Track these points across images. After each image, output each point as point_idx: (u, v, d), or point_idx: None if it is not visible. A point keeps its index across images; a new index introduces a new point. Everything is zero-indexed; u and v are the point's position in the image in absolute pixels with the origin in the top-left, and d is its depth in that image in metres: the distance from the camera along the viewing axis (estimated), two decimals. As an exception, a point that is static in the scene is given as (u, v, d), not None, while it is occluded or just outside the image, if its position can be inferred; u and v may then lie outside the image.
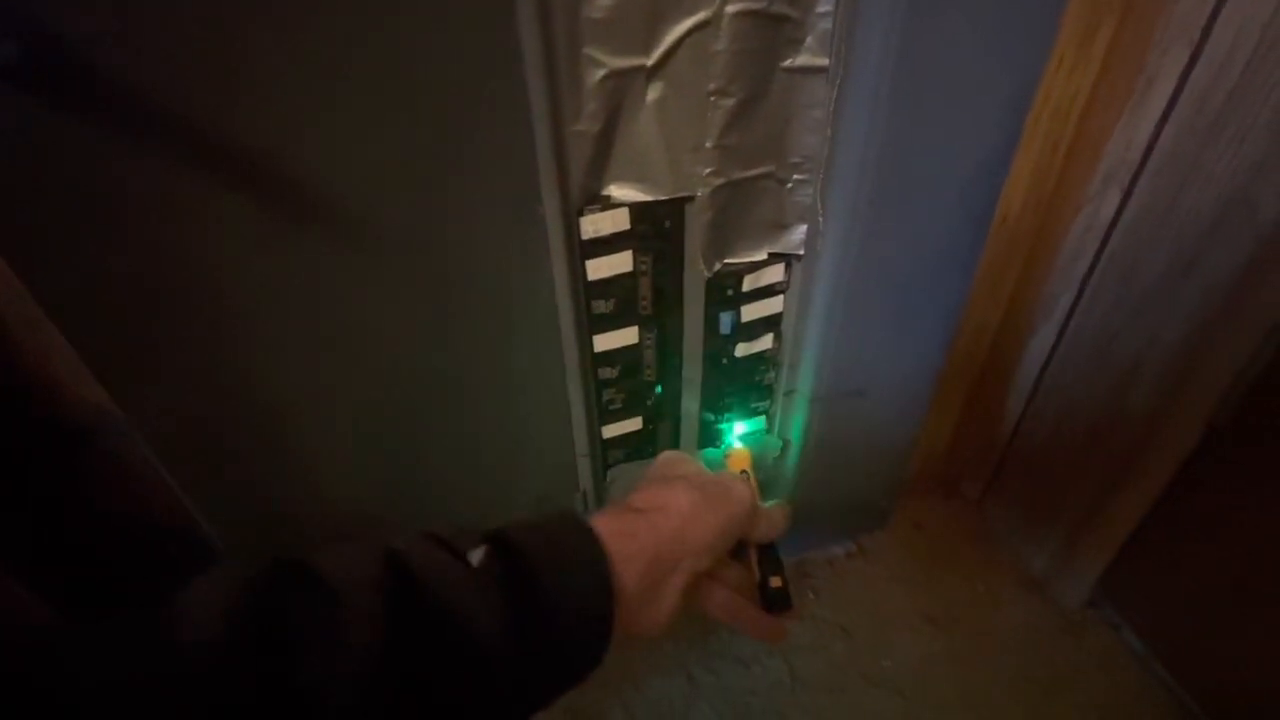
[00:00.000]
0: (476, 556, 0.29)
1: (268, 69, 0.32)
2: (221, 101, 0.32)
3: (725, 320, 0.54)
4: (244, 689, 0.22)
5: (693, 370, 0.58)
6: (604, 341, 0.52)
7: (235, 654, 0.22)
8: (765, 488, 0.70)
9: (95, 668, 0.21)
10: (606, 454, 0.62)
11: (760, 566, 0.42)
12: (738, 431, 0.61)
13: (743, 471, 0.47)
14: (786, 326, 0.57)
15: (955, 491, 1.04)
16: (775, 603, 0.41)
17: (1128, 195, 0.66)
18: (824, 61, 0.42)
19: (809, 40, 0.42)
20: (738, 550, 0.43)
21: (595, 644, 0.31)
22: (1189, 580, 0.77)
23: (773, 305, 0.55)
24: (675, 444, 0.64)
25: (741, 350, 0.57)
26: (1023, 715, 0.81)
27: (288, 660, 0.23)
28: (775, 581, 0.41)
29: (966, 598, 0.93)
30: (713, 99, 0.42)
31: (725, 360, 0.57)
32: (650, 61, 0.40)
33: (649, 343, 0.54)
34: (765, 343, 0.57)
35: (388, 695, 0.24)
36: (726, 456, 0.48)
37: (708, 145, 0.43)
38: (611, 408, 0.57)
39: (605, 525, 0.33)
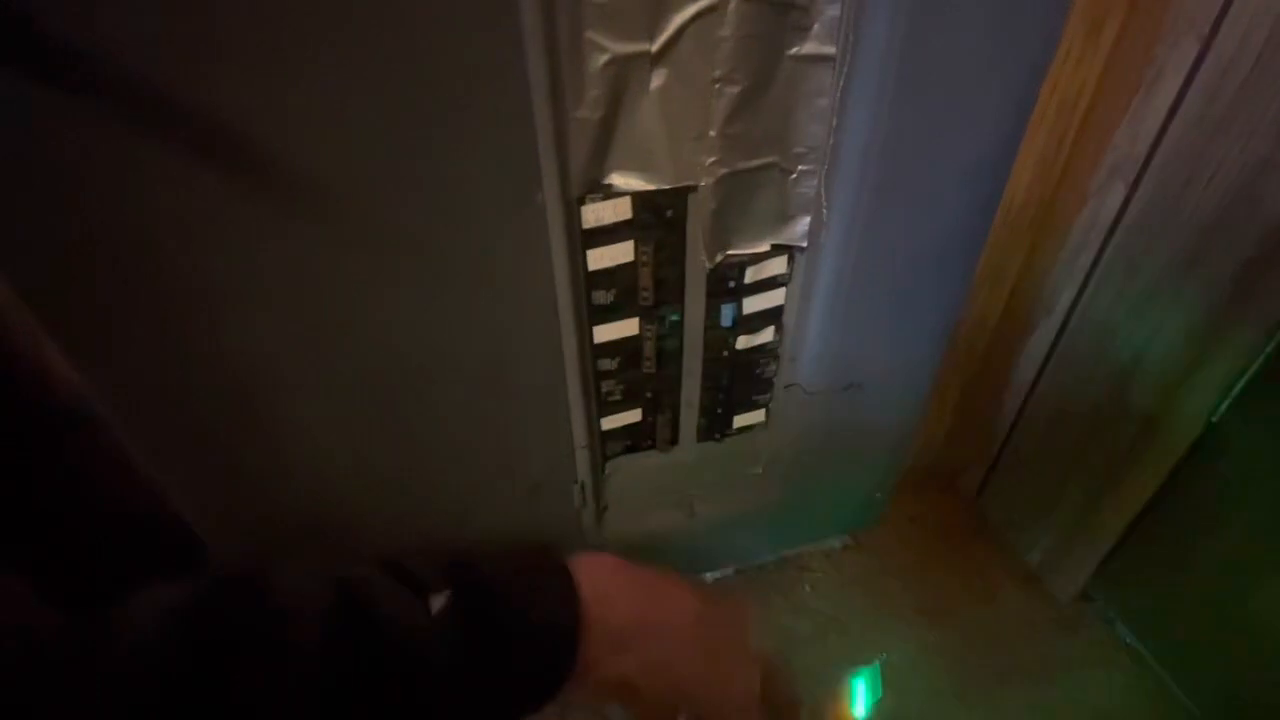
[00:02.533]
0: (437, 603, 0.28)
1: (258, 46, 0.31)
2: (199, 73, 0.31)
3: (726, 312, 0.54)
4: (176, 699, 0.21)
5: (693, 362, 0.57)
6: (604, 333, 0.52)
7: (171, 663, 0.22)
8: (761, 482, 0.70)
9: (33, 667, 0.21)
10: (605, 446, 0.61)
11: None
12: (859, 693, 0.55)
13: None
14: (788, 319, 0.57)
15: (952, 485, 1.04)
16: None
17: (1133, 189, 0.65)
18: (830, 50, 0.42)
19: (816, 28, 0.41)
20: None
21: (548, 690, 0.30)
22: (1183, 575, 0.77)
23: (774, 298, 0.55)
24: (674, 437, 0.63)
25: (742, 343, 0.57)
26: (1016, 708, 0.81)
27: (225, 675, 0.22)
28: None
29: (962, 591, 0.93)
30: (717, 87, 0.41)
31: (726, 353, 0.57)
32: (654, 48, 0.39)
33: (649, 334, 0.53)
34: (766, 335, 0.57)
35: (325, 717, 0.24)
36: (833, 698, 0.44)
37: (711, 134, 0.43)
38: (610, 399, 0.57)
39: (586, 586, 0.31)
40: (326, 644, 0.24)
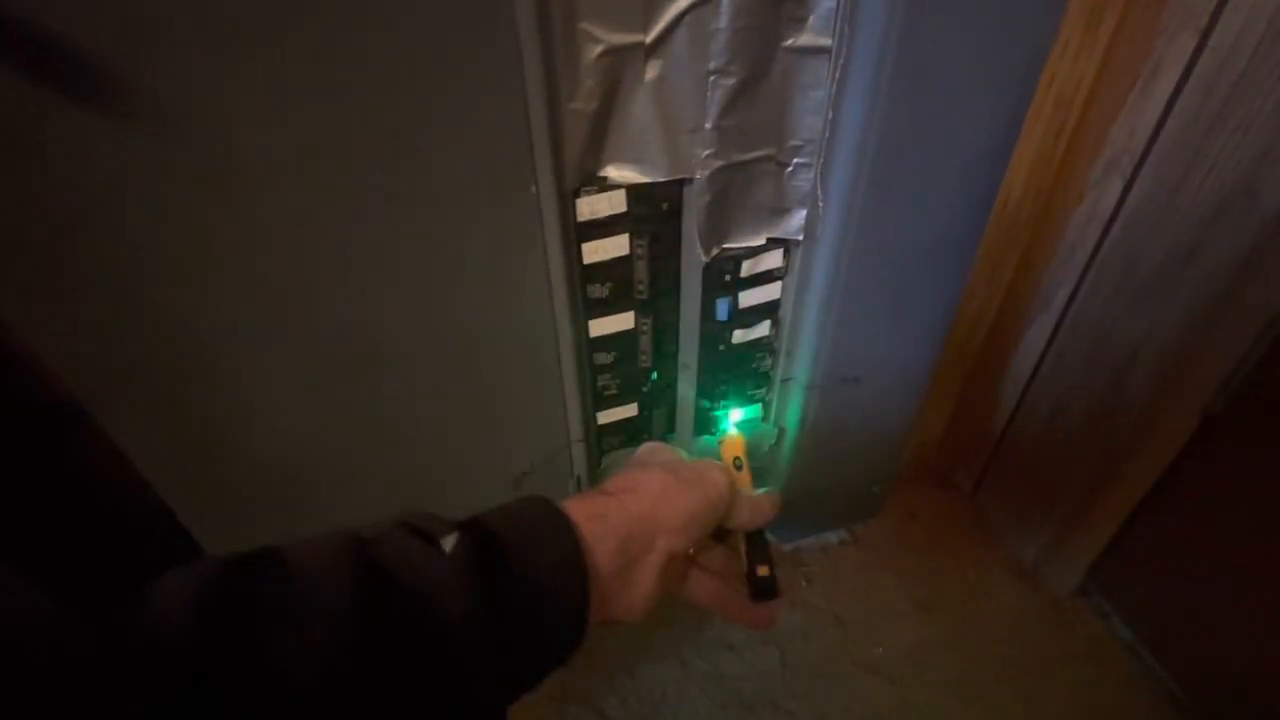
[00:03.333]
0: (449, 543, 0.28)
1: (246, 20, 0.31)
2: (173, 41, 0.31)
3: (722, 306, 0.53)
4: (209, 671, 0.22)
5: (689, 356, 0.57)
6: (599, 326, 0.52)
7: (201, 636, 0.22)
8: (760, 475, 0.70)
9: (63, 651, 0.21)
10: (601, 440, 0.61)
11: (748, 554, 0.42)
12: (734, 418, 0.61)
13: (735, 459, 0.47)
14: (784, 313, 0.57)
15: (949, 480, 1.04)
16: (762, 591, 0.41)
17: (1130, 184, 0.65)
18: (826, 41, 0.41)
19: (812, 19, 0.41)
20: (726, 537, 0.43)
21: (572, 626, 0.31)
22: (1179, 570, 0.77)
23: (770, 291, 0.55)
24: (671, 431, 0.63)
25: (738, 337, 0.56)
26: (1013, 701, 0.81)
27: (253, 643, 0.23)
28: (762, 570, 0.41)
29: (958, 586, 0.93)
30: (712, 79, 0.41)
31: (722, 346, 0.57)
32: (649, 38, 0.39)
33: (645, 328, 0.53)
34: (762, 329, 0.57)
35: (355, 682, 0.24)
36: (720, 443, 0.48)
37: (707, 126, 0.42)
38: (606, 394, 0.57)
39: (576, 508, 0.33)
40: (356, 604, 0.25)
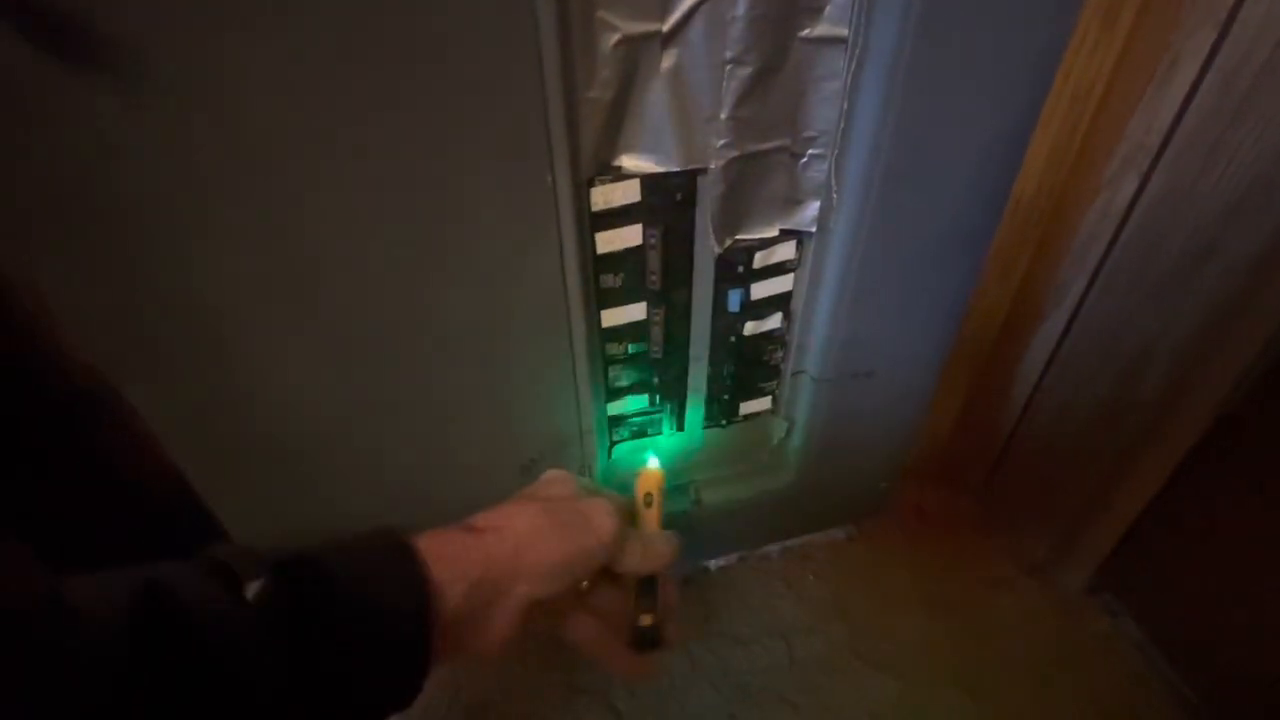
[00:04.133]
0: (254, 588, 0.27)
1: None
2: (194, 25, 0.31)
3: (734, 298, 0.54)
4: None
5: (700, 348, 0.57)
6: (611, 317, 0.52)
7: None
8: (768, 470, 0.70)
9: None
10: (612, 431, 0.61)
11: (635, 600, 0.39)
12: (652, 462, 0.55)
13: (647, 494, 0.44)
14: (796, 305, 0.57)
15: (958, 477, 1.04)
16: (641, 643, 0.39)
17: (1146, 179, 0.65)
18: (843, 32, 0.41)
19: (828, 9, 0.41)
20: (618, 577, 0.40)
21: (410, 669, 0.30)
22: (1190, 569, 0.77)
23: (782, 283, 0.55)
24: (681, 423, 0.63)
25: (750, 329, 0.57)
26: (1020, 700, 0.81)
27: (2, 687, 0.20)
28: (645, 619, 0.39)
29: (966, 582, 0.93)
30: (728, 68, 0.41)
31: (733, 338, 0.57)
32: (665, 28, 0.39)
33: (657, 319, 0.53)
34: (774, 321, 0.57)
35: None
36: (637, 475, 0.45)
37: (722, 116, 0.43)
38: (617, 384, 0.57)
39: (430, 546, 0.31)
40: (120, 642, 0.23)
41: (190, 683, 0.24)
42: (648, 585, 0.39)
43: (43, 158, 0.33)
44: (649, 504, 0.44)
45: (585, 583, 0.38)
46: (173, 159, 0.35)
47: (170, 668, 0.23)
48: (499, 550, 0.33)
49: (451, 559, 0.32)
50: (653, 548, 0.39)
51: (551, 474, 0.42)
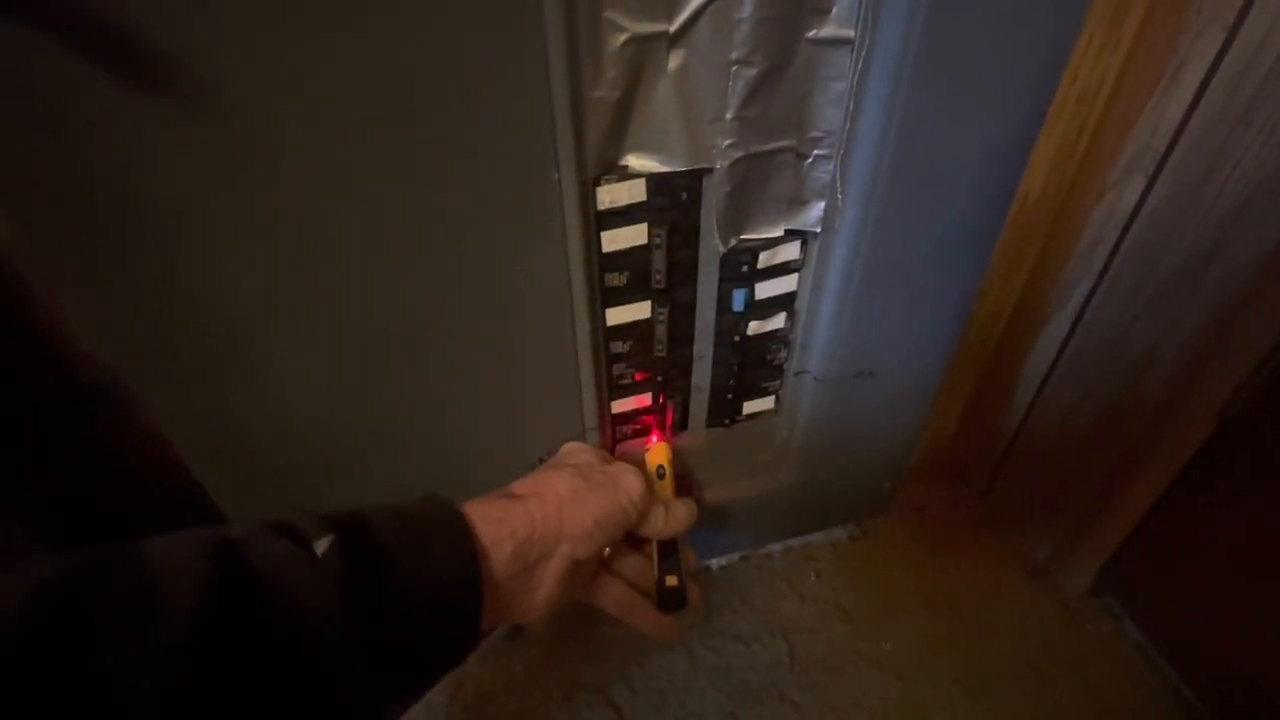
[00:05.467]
0: (322, 545, 0.27)
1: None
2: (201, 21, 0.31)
3: (738, 297, 0.54)
4: (35, 670, 0.21)
5: (704, 347, 0.58)
6: (616, 315, 0.52)
7: (31, 633, 0.21)
8: (767, 469, 0.70)
9: None
10: (615, 430, 0.62)
11: (659, 563, 0.42)
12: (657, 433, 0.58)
13: (659, 466, 0.47)
14: (800, 305, 0.57)
15: (960, 478, 1.04)
16: (668, 601, 0.41)
17: (1152, 182, 0.65)
18: (849, 33, 0.41)
19: (835, 11, 0.41)
20: (642, 545, 0.42)
21: (463, 630, 0.30)
22: (1192, 572, 0.77)
23: (787, 283, 0.55)
24: (684, 422, 0.63)
25: (754, 328, 0.57)
26: (1021, 701, 0.81)
27: (87, 646, 0.21)
28: (671, 580, 0.41)
29: (968, 584, 0.93)
30: (734, 69, 0.41)
31: (737, 338, 0.57)
32: (672, 28, 0.39)
33: (661, 318, 0.53)
34: (778, 321, 0.57)
35: (195, 690, 0.23)
36: (646, 449, 0.48)
37: (728, 116, 0.43)
38: (621, 382, 0.57)
39: (476, 510, 0.32)
40: (203, 607, 0.23)
41: (267, 637, 0.24)
42: (670, 549, 0.42)
43: (74, 162, 0.33)
44: (662, 476, 0.47)
45: (608, 550, 0.40)
46: (195, 165, 0.35)
47: (248, 623, 0.24)
48: (542, 511, 0.34)
49: (498, 520, 0.33)
50: (674, 512, 0.42)
51: (570, 445, 0.44)
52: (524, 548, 0.33)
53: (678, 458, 0.65)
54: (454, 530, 0.31)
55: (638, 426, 0.62)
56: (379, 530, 0.29)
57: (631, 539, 0.41)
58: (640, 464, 0.47)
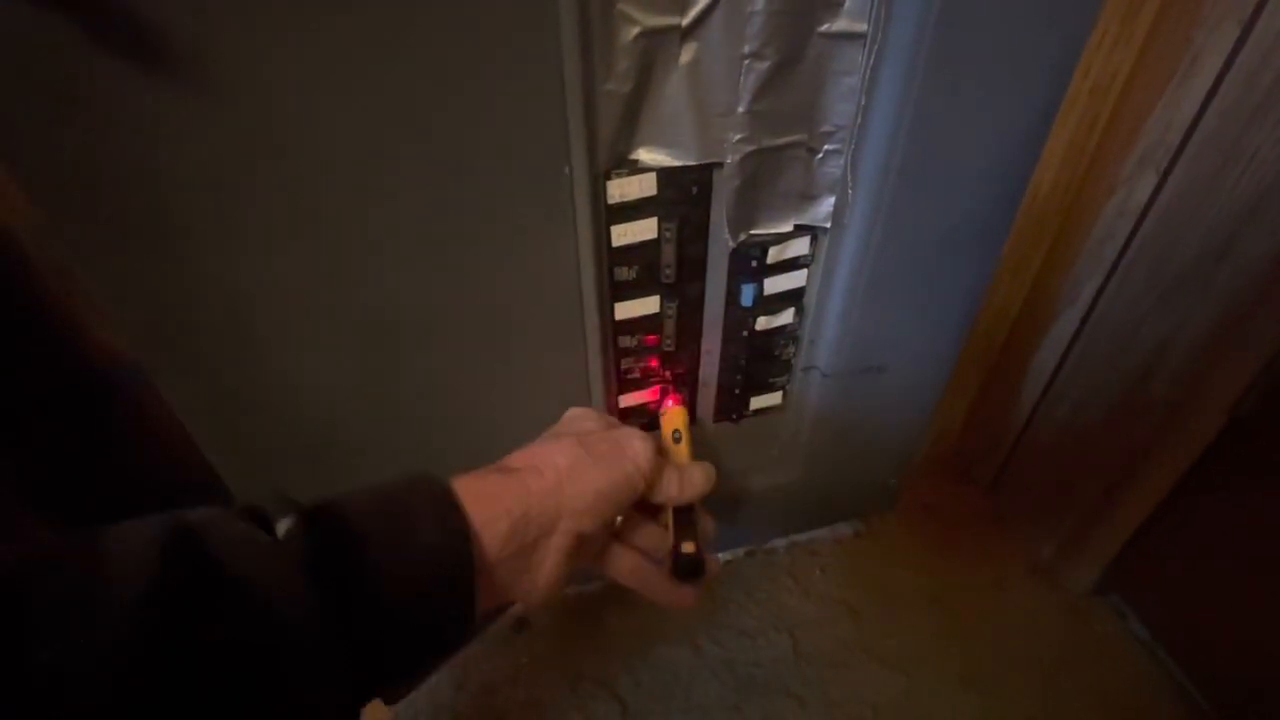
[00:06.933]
0: (283, 526, 0.26)
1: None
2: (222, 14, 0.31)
3: (747, 292, 0.54)
4: None
5: (712, 342, 0.58)
6: (625, 309, 0.52)
7: None
8: (774, 464, 0.70)
9: None
10: (624, 423, 0.62)
11: (675, 531, 0.39)
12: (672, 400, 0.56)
13: (675, 431, 0.44)
14: (809, 300, 0.57)
15: (966, 475, 1.04)
16: (684, 569, 0.39)
17: (1164, 178, 0.64)
18: (862, 27, 0.41)
19: (848, 4, 0.41)
20: (657, 512, 0.40)
21: (454, 614, 0.28)
22: (1199, 571, 0.76)
23: (796, 279, 0.55)
24: (692, 417, 0.64)
25: (762, 324, 0.57)
26: (1025, 697, 0.81)
27: (24, 643, 0.20)
28: (688, 547, 0.39)
29: (973, 580, 0.93)
30: (746, 62, 0.41)
31: (745, 333, 0.57)
32: (685, 21, 0.39)
33: (670, 312, 0.53)
34: (787, 316, 0.57)
35: (150, 681, 0.21)
36: (661, 414, 0.46)
37: (739, 110, 0.43)
38: (629, 376, 0.57)
39: (467, 488, 0.30)
40: (147, 592, 0.22)
41: (221, 626, 0.23)
42: (686, 515, 0.40)
43: (103, 152, 0.33)
44: (678, 440, 0.44)
45: (620, 518, 0.38)
46: (221, 158, 0.35)
47: (201, 611, 0.23)
48: (539, 486, 0.32)
49: (491, 497, 0.31)
50: (689, 477, 0.39)
51: (575, 411, 0.41)
52: (520, 526, 0.31)
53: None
54: (441, 510, 0.29)
55: (644, 424, 0.62)
56: (351, 510, 0.28)
57: (646, 506, 0.38)
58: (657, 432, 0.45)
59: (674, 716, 0.79)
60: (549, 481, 0.33)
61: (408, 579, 0.27)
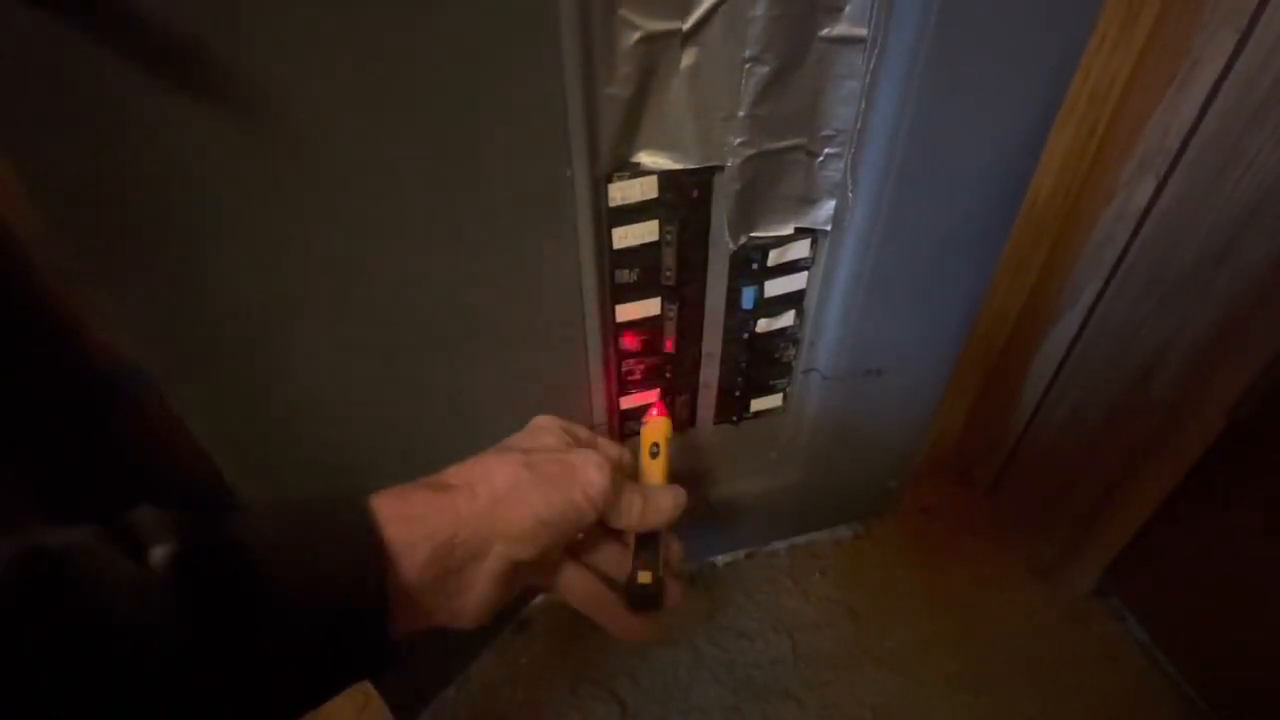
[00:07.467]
0: (157, 554, 0.23)
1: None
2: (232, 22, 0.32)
3: (748, 295, 0.54)
4: None
5: (712, 344, 0.58)
6: (625, 312, 0.52)
7: None
8: (774, 466, 0.70)
9: None
10: (623, 426, 0.62)
11: (634, 555, 0.37)
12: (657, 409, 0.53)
13: (653, 444, 0.41)
14: (809, 303, 0.57)
15: (966, 477, 1.04)
16: (638, 600, 0.36)
17: (1164, 182, 0.64)
18: (862, 32, 0.41)
19: (848, 9, 0.41)
20: (619, 531, 0.37)
21: (364, 642, 0.27)
22: (1198, 573, 0.77)
23: (796, 281, 0.55)
24: (692, 419, 0.64)
25: (762, 326, 0.57)
26: (1024, 699, 0.81)
27: None
28: (644, 576, 0.36)
29: (972, 583, 0.93)
30: (747, 67, 0.41)
31: (746, 335, 0.57)
32: (686, 26, 0.39)
33: (670, 315, 0.54)
34: (787, 319, 0.57)
35: None
36: (643, 424, 0.43)
37: (740, 114, 0.43)
38: (630, 379, 0.57)
39: (391, 506, 0.28)
40: None
41: (76, 653, 0.21)
42: (649, 541, 0.37)
43: (111, 157, 0.33)
44: (655, 455, 0.41)
45: (580, 535, 0.35)
46: (231, 163, 0.35)
47: (52, 638, 0.21)
48: (470, 509, 0.30)
49: (413, 519, 0.29)
50: (655, 502, 0.36)
51: (540, 420, 0.38)
52: (444, 551, 0.29)
53: (686, 453, 0.65)
54: (353, 533, 0.27)
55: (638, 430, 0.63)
56: (252, 529, 0.26)
57: (608, 528, 0.35)
58: (636, 445, 0.43)
59: (673, 717, 0.79)
60: (481, 504, 0.30)
61: (309, 606, 0.26)
